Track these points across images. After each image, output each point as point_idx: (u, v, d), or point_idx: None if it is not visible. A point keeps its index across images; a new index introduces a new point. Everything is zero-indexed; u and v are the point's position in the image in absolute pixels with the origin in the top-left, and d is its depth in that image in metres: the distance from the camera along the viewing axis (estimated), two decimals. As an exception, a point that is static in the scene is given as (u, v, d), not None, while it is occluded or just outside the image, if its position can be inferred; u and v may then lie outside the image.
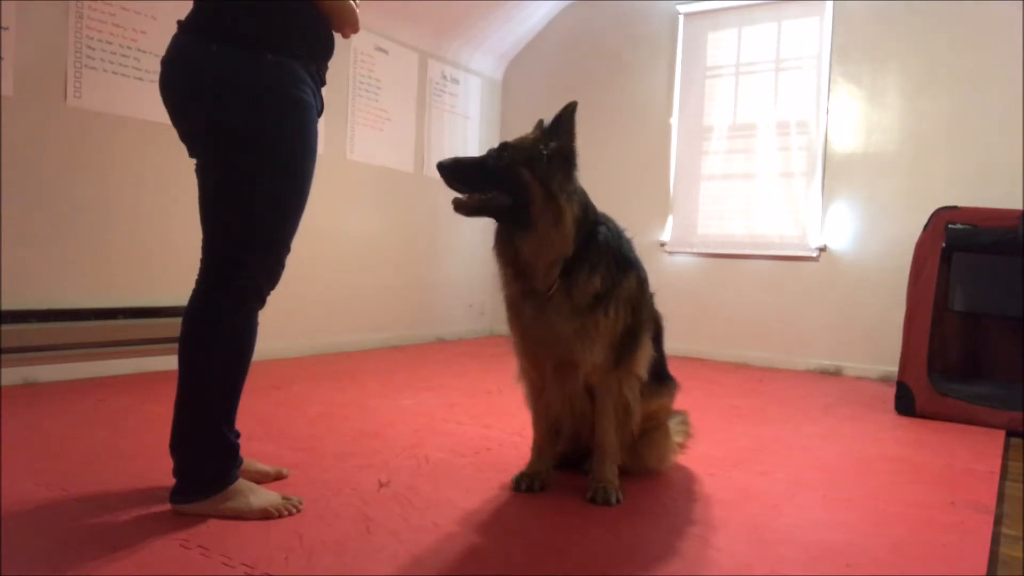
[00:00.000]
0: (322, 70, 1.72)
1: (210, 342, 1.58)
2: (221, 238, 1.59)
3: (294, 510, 1.64)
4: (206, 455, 1.60)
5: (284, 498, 1.66)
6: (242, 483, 1.63)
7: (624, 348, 1.84)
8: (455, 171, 1.76)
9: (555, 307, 1.77)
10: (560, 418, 1.94)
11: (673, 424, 2.25)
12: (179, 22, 1.62)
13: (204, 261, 1.63)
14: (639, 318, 1.87)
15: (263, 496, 1.63)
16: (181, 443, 1.60)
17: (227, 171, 1.56)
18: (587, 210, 1.84)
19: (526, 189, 1.72)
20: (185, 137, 1.64)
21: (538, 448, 1.96)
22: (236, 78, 1.52)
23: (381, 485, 1.87)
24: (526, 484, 1.88)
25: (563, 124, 1.80)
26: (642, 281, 1.90)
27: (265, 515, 1.59)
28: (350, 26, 1.72)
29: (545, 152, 1.77)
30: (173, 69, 1.58)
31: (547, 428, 1.95)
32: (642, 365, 1.88)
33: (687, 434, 2.41)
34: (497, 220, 1.80)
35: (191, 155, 1.67)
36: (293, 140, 1.58)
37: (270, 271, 1.63)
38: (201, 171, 1.64)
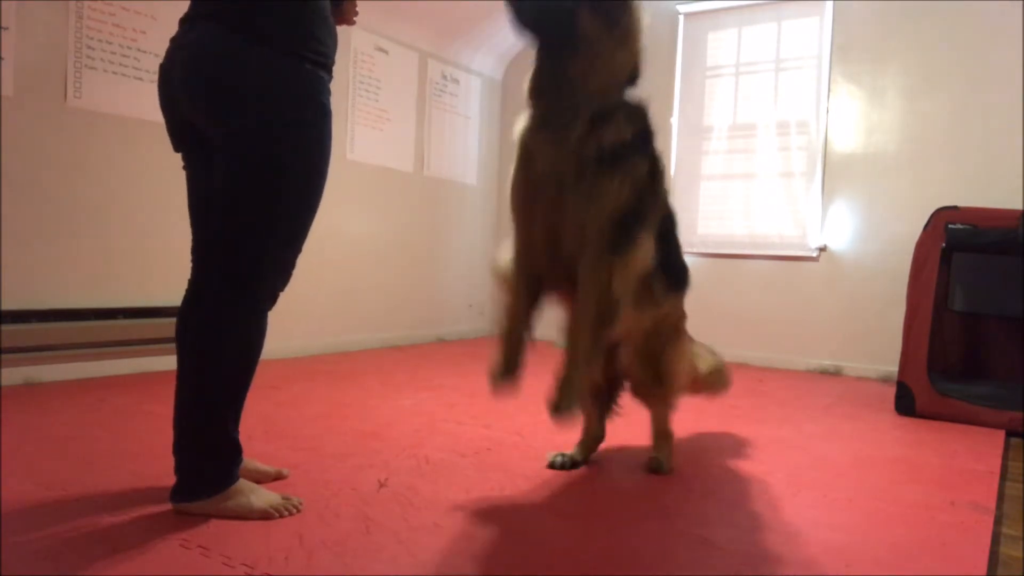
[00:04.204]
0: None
1: (224, 346, 1.57)
2: (240, 241, 1.56)
3: (294, 510, 1.64)
4: (212, 455, 1.59)
5: (284, 498, 1.66)
6: (243, 483, 1.63)
7: (623, 233, 1.68)
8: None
9: (568, 159, 1.66)
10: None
11: (699, 349, 2.23)
12: (195, 11, 1.58)
13: (214, 264, 1.58)
14: (645, 204, 1.73)
15: (264, 496, 1.63)
16: (187, 443, 1.59)
17: (253, 174, 1.54)
18: (640, 56, 1.75)
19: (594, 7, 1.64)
20: (186, 130, 1.62)
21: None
22: (282, 84, 1.53)
23: (381, 485, 1.87)
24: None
25: None
26: (658, 163, 1.79)
27: (265, 515, 1.59)
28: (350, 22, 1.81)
29: None
30: (205, 58, 1.53)
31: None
32: (639, 261, 1.73)
33: (718, 371, 2.30)
34: (547, 37, 1.69)
35: (181, 149, 1.66)
36: (323, 147, 1.64)
37: (287, 273, 1.65)
38: (203, 169, 1.63)
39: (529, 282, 1.84)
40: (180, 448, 1.60)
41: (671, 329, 2.06)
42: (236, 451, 1.63)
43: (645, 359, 2.02)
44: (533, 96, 1.75)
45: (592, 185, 1.65)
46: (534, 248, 1.79)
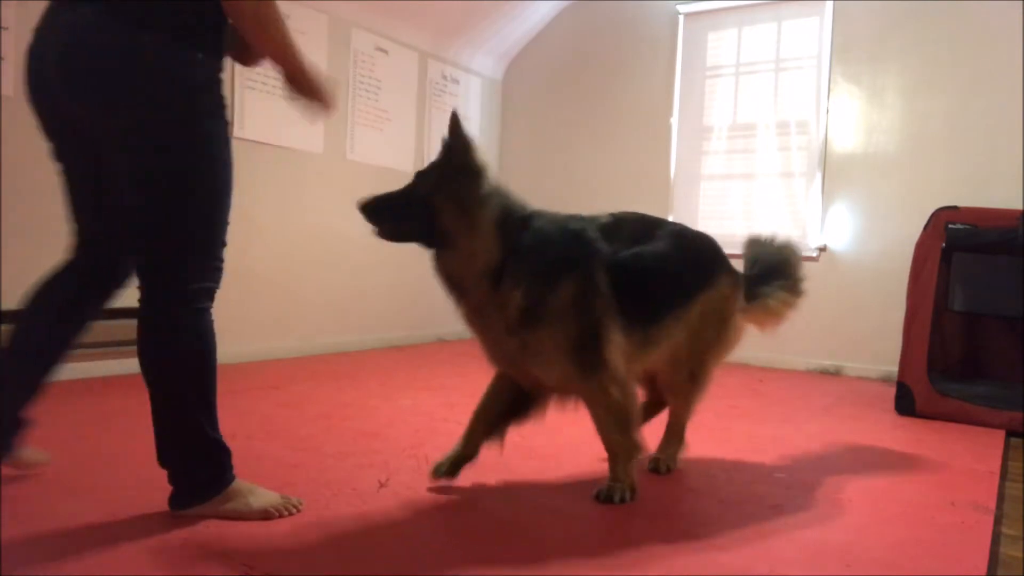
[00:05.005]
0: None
1: (176, 349, 1.53)
2: (164, 244, 1.51)
3: (294, 510, 1.64)
4: (197, 460, 1.58)
5: (283, 498, 1.65)
6: (240, 484, 1.62)
7: (588, 352, 1.75)
8: (376, 210, 1.76)
9: (493, 324, 1.76)
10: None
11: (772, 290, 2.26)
12: None
13: (154, 266, 1.54)
14: (592, 318, 1.75)
15: (263, 496, 1.63)
16: (169, 453, 1.57)
17: (164, 174, 1.47)
18: (509, 213, 1.75)
19: (438, 211, 1.71)
20: (67, 132, 1.54)
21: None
22: (173, 74, 1.43)
23: (381, 485, 1.87)
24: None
25: (453, 136, 1.73)
26: (585, 281, 1.76)
27: (265, 515, 1.59)
28: (264, 38, 1.51)
29: (447, 169, 1.74)
30: (87, 46, 1.40)
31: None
32: (614, 359, 1.78)
33: (785, 302, 2.28)
34: (422, 244, 1.78)
35: (63, 157, 1.59)
36: (224, 138, 1.54)
37: (218, 271, 1.60)
38: (85, 165, 1.57)
39: (503, 382, 1.94)
40: (166, 460, 1.58)
41: (714, 325, 2.07)
42: (222, 451, 1.61)
43: (679, 363, 2.04)
44: (441, 282, 1.83)
45: (529, 339, 1.74)
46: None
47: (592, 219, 1.91)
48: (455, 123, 1.72)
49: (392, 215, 1.77)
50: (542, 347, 1.74)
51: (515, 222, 1.75)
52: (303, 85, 1.57)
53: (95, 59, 1.42)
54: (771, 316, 2.26)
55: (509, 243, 1.72)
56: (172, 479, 1.59)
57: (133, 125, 1.45)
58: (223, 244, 1.60)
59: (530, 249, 1.74)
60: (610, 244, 1.85)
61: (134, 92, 1.43)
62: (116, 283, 1.75)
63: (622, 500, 1.80)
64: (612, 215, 1.96)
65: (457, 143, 1.72)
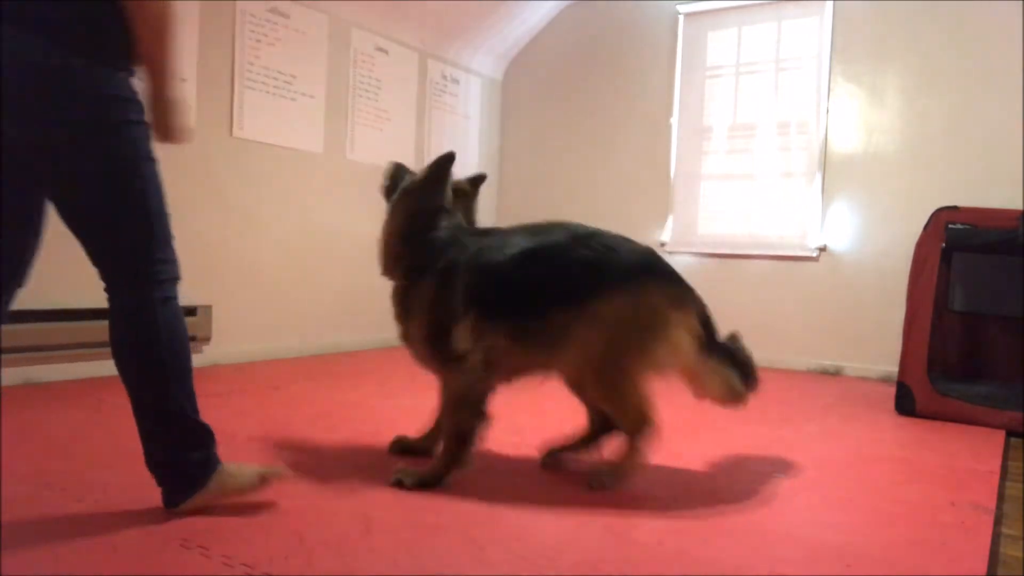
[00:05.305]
0: None
1: (150, 340, 1.57)
2: (131, 240, 1.57)
3: (279, 476, 1.71)
4: (186, 445, 1.59)
5: (265, 467, 1.71)
6: (226, 466, 1.64)
7: (441, 342, 1.94)
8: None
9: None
10: None
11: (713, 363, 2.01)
12: None
13: (116, 267, 1.59)
14: (445, 312, 1.93)
15: (249, 468, 1.68)
16: (157, 447, 1.58)
17: (111, 178, 1.53)
18: (413, 218, 2.07)
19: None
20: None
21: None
22: (99, 91, 1.49)
23: (380, 485, 1.87)
24: None
25: (432, 168, 2.11)
26: (443, 280, 1.95)
27: (263, 482, 1.65)
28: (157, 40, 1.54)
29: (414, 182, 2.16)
30: (8, 71, 1.42)
31: None
32: (463, 349, 1.90)
33: (728, 386, 2.05)
34: None
35: None
36: (148, 135, 1.59)
37: (175, 257, 1.65)
38: (36, 179, 1.57)
39: None
40: (154, 455, 1.59)
41: (636, 332, 1.91)
42: (207, 433, 1.63)
43: (595, 368, 1.93)
44: None
45: (407, 331, 2.11)
46: None
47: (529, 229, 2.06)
48: (445, 162, 2.07)
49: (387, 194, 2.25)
50: (413, 335, 2.04)
51: (418, 226, 2.05)
52: (165, 103, 1.60)
53: (20, 85, 1.45)
54: (716, 388, 2.05)
55: (418, 245, 2.03)
56: (163, 474, 1.60)
57: (54, 143, 1.50)
58: (172, 236, 1.66)
59: (423, 252, 2.02)
60: (503, 249, 1.97)
61: (60, 111, 1.47)
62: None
63: (400, 485, 1.85)
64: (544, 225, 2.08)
65: (433, 172, 2.08)
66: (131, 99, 1.55)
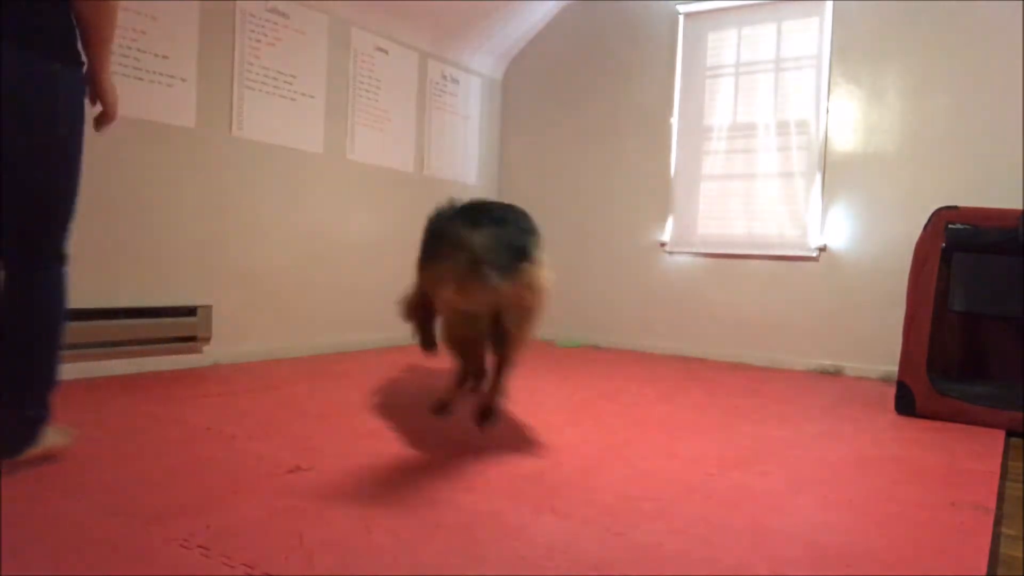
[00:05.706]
0: None
1: (60, 302, 1.88)
2: (50, 219, 1.85)
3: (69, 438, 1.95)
4: (40, 401, 1.82)
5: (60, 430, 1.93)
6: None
7: None
8: None
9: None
10: None
11: None
12: None
13: (31, 240, 1.83)
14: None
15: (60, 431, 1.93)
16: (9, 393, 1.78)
17: (55, 167, 1.79)
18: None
19: None
20: None
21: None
22: (76, 97, 1.76)
23: (380, 485, 1.87)
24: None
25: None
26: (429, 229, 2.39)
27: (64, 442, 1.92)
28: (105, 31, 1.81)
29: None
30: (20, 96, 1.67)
31: None
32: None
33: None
34: None
35: None
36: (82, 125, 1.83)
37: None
38: None
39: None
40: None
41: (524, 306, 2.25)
42: (52, 390, 1.87)
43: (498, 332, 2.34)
44: None
45: None
46: None
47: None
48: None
49: None
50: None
51: None
52: (104, 87, 1.85)
53: (26, 103, 1.69)
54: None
55: None
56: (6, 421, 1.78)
57: (40, 142, 1.75)
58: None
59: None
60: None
61: (52, 122, 1.73)
62: None
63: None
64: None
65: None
66: (83, 90, 1.81)
